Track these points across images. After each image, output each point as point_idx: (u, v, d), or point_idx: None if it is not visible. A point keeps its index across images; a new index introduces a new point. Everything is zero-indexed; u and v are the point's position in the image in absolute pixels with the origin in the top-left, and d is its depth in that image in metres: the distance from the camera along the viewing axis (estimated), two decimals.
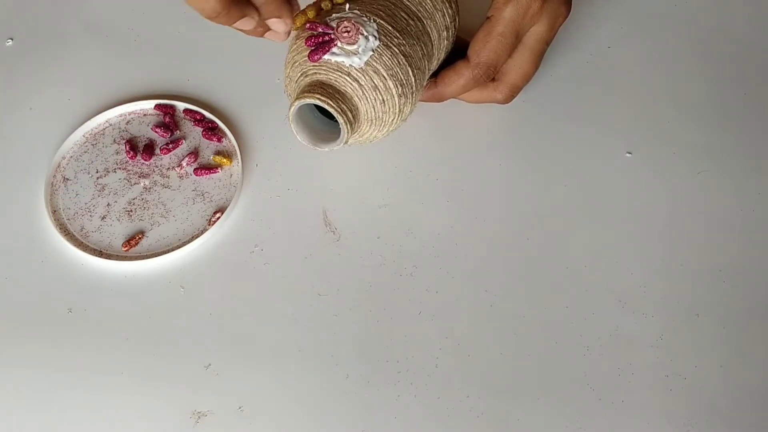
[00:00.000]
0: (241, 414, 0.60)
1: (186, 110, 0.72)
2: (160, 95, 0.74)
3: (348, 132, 0.61)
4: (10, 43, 0.78)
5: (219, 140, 0.71)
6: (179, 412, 0.60)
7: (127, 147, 0.70)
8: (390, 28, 0.63)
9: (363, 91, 0.62)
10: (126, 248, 0.66)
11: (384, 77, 0.62)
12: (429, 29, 0.65)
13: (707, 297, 0.65)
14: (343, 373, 0.61)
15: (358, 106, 0.62)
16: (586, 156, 0.71)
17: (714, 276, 0.66)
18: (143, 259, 0.65)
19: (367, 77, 0.62)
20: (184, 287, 0.64)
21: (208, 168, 0.69)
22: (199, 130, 0.72)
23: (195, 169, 0.69)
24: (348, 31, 0.61)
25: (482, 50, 0.66)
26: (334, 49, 0.61)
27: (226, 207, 0.67)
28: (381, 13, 0.63)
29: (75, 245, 0.65)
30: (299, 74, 0.63)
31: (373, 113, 0.63)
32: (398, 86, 0.63)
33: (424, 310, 0.64)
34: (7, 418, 0.59)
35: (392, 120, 0.64)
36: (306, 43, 0.62)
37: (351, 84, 0.61)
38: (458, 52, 0.68)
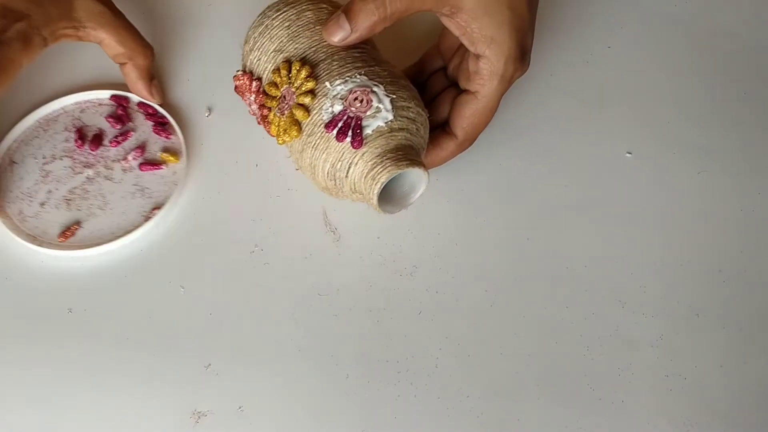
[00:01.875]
0: (241, 414, 0.60)
1: (140, 103, 0.72)
2: (119, 86, 0.73)
3: (428, 176, 0.60)
4: None
5: (168, 136, 0.70)
6: (179, 412, 0.60)
7: (77, 135, 0.70)
8: (371, 69, 0.61)
9: (410, 133, 0.60)
10: (61, 239, 0.65)
11: (410, 106, 0.61)
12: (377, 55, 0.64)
13: (707, 297, 0.65)
14: (343, 373, 0.61)
15: (415, 148, 0.61)
16: (586, 156, 0.71)
17: (714, 276, 0.66)
18: (76, 249, 0.65)
19: (402, 119, 0.60)
20: (184, 287, 0.64)
21: (154, 163, 0.69)
22: (150, 124, 0.71)
23: (140, 164, 0.69)
24: (360, 100, 0.59)
25: (470, 127, 0.64)
26: (363, 122, 0.59)
27: (164, 204, 0.67)
28: (351, 67, 0.61)
29: (10, 228, 0.65)
30: (347, 168, 0.60)
31: (422, 142, 0.62)
32: (418, 100, 0.62)
33: (424, 310, 0.64)
34: (6, 418, 0.59)
35: (428, 132, 0.63)
36: (338, 139, 0.59)
37: (398, 135, 0.60)
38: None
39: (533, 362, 0.62)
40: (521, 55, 0.62)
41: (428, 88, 0.68)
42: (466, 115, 0.64)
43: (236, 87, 0.65)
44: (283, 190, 0.69)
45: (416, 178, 0.61)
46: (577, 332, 0.63)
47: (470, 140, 0.66)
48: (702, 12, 0.80)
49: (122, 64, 0.69)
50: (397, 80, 0.62)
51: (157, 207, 0.67)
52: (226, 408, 0.60)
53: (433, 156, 0.66)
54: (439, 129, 0.66)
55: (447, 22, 0.62)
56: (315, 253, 0.66)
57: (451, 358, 0.62)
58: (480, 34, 0.61)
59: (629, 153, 0.71)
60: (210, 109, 0.72)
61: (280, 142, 0.61)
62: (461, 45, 0.63)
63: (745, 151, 0.72)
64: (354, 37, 0.61)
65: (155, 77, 0.71)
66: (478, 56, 0.62)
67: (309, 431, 0.60)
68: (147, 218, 0.66)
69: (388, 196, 0.62)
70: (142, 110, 0.72)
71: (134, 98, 0.72)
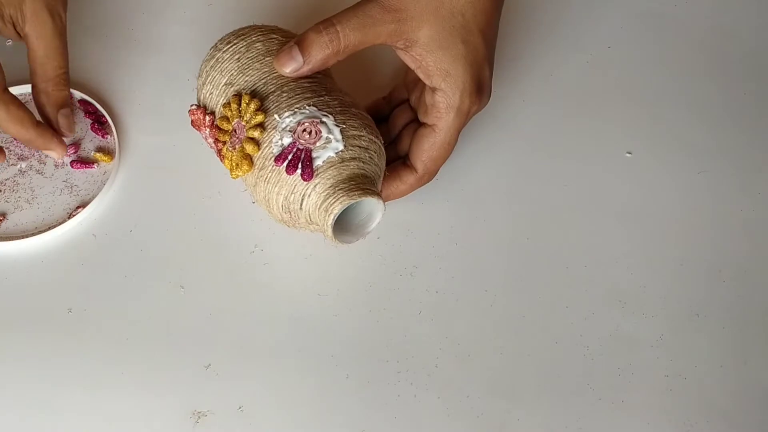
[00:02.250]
0: (241, 414, 0.60)
1: (81, 100, 0.72)
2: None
3: (384, 204, 0.60)
4: None
5: (104, 136, 0.71)
6: (179, 412, 0.60)
7: None
8: (321, 99, 0.61)
9: (363, 162, 0.60)
10: None
11: (362, 135, 0.60)
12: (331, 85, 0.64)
13: (707, 297, 0.65)
14: (343, 373, 0.61)
15: (369, 176, 0.60)
16: (586, 156, 0.71)
17: (714, 276, 0.66)
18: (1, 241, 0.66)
19: (354, 148, 0.60)
20: (184, 287, 0.64)
21: (86, 162, 0.69)
22: (88, 122, 0.71)
23: (72, 161, 0.69)
24: (309, 132, 0.59)
25: (429, 161, 0.64)
26: (313, 154, 0.59)
27: (89, 203, 0.67)
28: (300, 98, 0.61)
29: None
30: (300, 200, 0.59)
31: (377, 169, 0.62)
32: (371, 129, 0.61)
33: (424, 310, 0.64)
34: (6, 418, 0.59)
35: (384, 161, 0.63)
36: (288, 172, 0.59)
37: (350, 165, 0.59)
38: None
39: (533, 362, 0.62)
40: (477, 89, 0.62)
41: (393, 119, 0.68)
42: (424, 149, 0.64)
43: (192, 122, 0.65)
44: None
45: (373, 206, 0.61)
46: (577, 332, 0.63)
47: (430, 173, 0.65)
48: (702, 12, 0.80)
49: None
50: (348, 109, 0.61)
51: (82, 205, 0.67)
52: (226, 408, 0.60)
53: (393, 188, 0.65)
54: (400, 161, 0.66)
55: (403, 55, 0.62)
56: (315, 253, 0.66)
57: (451, 358, 0.62)
58: (435, 67, 0.61)
59: (629, 153, 0.71)
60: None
61: (234, 176, 0.61)
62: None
63: (745, 151, 0.72)
64: (306, 69, 0.60)
65: (68, 106, 0.68)
66: (434, 89, 0.62)
67: (309, 431, 0.60)
68: (70, 215, 0.67)
69: (346, 226, 0.61)
70: (82, 107, 0.72)
71: (76, 94, 0.72)
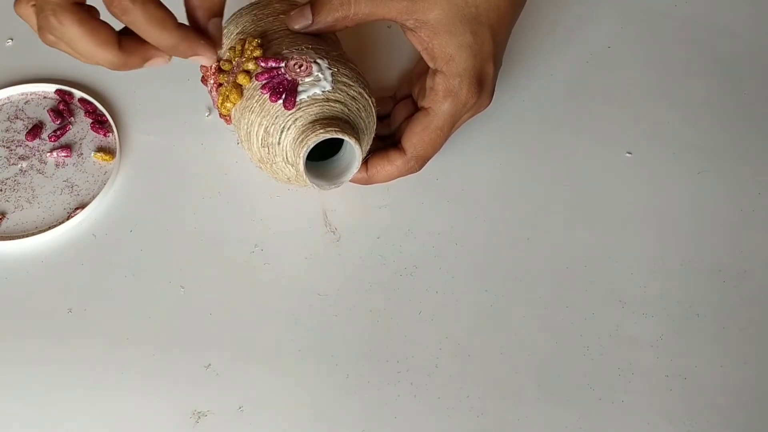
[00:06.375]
0: (241, 414, 0.60)
1: (81, 99, 0.72)
2: (65, 80, 0.73)
3: (362, 152, 0.60)
4: None
5: (105, 135, 0.71)
6: (179, 412, 0.60)
7: (18, 126, 0.71)
8: (322, 48, 0.62)
9: (348, 108, 0.61)
10: None
11: (352, 85, 0.61)
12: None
13: (707, 297, 0.65)
14: (343, 373, 0.61)
15: (353, 125, 0.61)
16: (586, 156, 0.71)
17: (714, 276, 0.66)
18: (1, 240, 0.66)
19: (342, 93, 0.61)
20: (184, 287, 0.64)
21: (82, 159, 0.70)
22: (89, 121, 0.71)
23: (66, 156, 0.70)
24: (300, 66, 0.60)
25: (419, 144, 0.64)
26: (299, 87, 0.60)
27: (88, 204, 0.67)
28: (301, 42, 0.62)
29: None
30: (279, 132, 0.60)
31: (363, 124, 0.62)
32: (365, 87, 0.62)
33: (424, 310, 0.64)
34: (6, 418, 0.59)
35: (373, 125, 0.63)
36: (272, 99, 0.59)
37: (334, 106, 0.60)
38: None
39: (533, 362, 0.62)
40: (477, 81, 0.63)
41: (394, 112, 0.69)
42: (416, 131, 0.64)
43: (201, 78, 0.66)
44: (283, 190, 0.69)
45: (351, 156, 0.61)
46: (577, 332, 0.63)
47: (418, 158, 0.65)
48: (702, 12, 0.80)
49: None
50: (346, 62, 0.62)
51: (82, 205, 0.67)
52: (226, 408, 0.60)
53: (379, 167, 0.65)
54: (392, 143, 0.66)
55: (411, 36, 0.63)
56: (315, 253, 0.66)
57: (451, 358, 0.62)
58: (440, 50, 0.62)
59: (629, 153, 0.71)
60: (210, 110, 0.72)
61: (224, 111, 0.62)
62: (426, 71, 0.64)
63: (745, 151, 0.72)
64: (314, 28, 0.63)
65: (220, 16, 0.58)
66: (435, 72, 0.63)
67: (309, 431, 0.60)
68: (70, 215, 0.67)
69: (323, 176, 0.62)
70: (82, 107, 0.72)
71: (77, 94, 0.72)
